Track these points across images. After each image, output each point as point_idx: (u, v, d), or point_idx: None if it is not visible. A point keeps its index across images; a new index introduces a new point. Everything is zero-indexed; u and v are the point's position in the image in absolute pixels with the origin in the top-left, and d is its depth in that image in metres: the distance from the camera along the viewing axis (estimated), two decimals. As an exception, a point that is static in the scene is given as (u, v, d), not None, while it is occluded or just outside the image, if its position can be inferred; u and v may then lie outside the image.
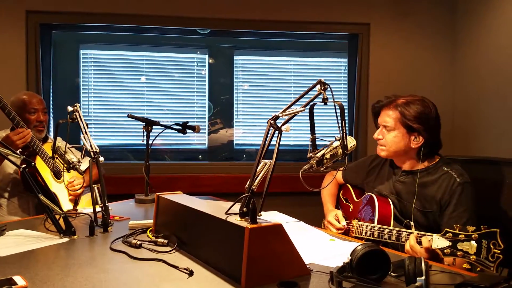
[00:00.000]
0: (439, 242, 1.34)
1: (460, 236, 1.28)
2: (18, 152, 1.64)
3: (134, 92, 3.29)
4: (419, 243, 1.46)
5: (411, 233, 1.53)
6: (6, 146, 1.64)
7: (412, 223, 1.68)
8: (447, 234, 1.31)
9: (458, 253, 1.27)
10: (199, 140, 3.40)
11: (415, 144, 1.75)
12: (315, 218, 2.11)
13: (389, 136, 1.78)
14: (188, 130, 2.45)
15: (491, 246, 1.21)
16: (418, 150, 1.76)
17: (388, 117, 1.78)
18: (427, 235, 1.43)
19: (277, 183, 2.99)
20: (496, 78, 2.89)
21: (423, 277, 1.05)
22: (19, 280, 1.12)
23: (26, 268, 1.25)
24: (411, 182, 1.78)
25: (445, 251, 1.31)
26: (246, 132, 3.45)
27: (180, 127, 2.42)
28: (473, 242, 1.24)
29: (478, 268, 1.23)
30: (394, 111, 1.76)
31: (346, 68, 3.46)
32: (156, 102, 3.32)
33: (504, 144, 2.80)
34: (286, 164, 3.20)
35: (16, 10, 2.93)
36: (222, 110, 3.42)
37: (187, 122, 2.44)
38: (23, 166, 1.56)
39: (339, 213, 1.95)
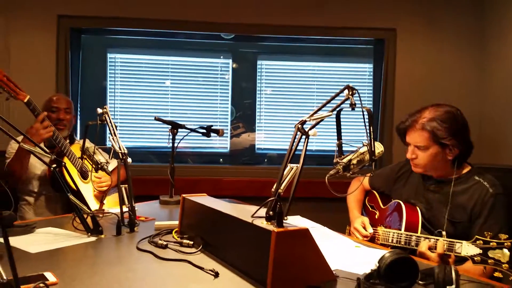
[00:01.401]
0: (468, 249, 1.31)
1: (491, 243, 1.25)
2: (48, 151, 1.69)
3: (158, 96, 3.35)
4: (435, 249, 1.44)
5: (438, 239, 1.50)
6: (38, 146, 1.68)
7: (444, 232, 1.64)
8: (478, 242, 1.28)
9: (489, 261, 1.24)
10: (221, 143, 3.42)
11: (451, 156, 1.71)
12: (339, 225, 2.09)
13: (424, 155, 1.72)
14: (212, 134, 2.47)
15: (525, 256, 1.18)
16: (453, 159, 1.72)
17: (418, 137, 1.72)
18: (456, 242, 1.40)
19: (299, 188, 2.97)
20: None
21: (454, 286, 1.02)
22: (50, 276, 1.15)
23: (55, 265, 1.28)
24: (443, 191, 1.73)
25: (475, 258, 1.28)
26: (268, 136, 3.45)
27: (204, 131, 2.44)
28: (505, 250, 1.21)
29: (511, 277, 1.19)
30: (423, 131, 1.70)
31: (371, 73, 3.43)
32: (180, 106, 3.37)
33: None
34: (308, 169, 3.18)
35: (49, 14, 3.04)
36: (244, 114, 3.44)
37: (212, 125, 2.47)
38: (54, 165, 1.60)
39: (366, 220, 1.93)
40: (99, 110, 1.85)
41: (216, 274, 1.22)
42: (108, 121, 1.83)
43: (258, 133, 3.44)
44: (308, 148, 3.69)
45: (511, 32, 2.99)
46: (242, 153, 3.44)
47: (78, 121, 3.18)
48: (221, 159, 3.44)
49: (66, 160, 2.22)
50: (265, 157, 3.46)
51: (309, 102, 3.41)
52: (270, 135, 3.45)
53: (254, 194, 2.94)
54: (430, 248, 1.51)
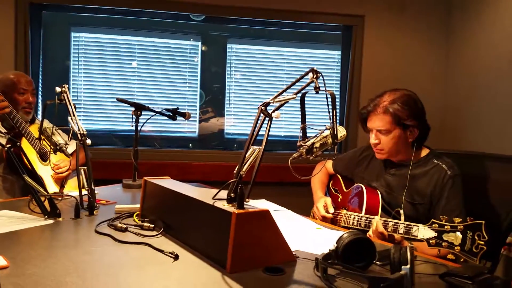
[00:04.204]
0: (425, 232, 1.35)
1: (446, 227, 1.29)
2: (4, 131, 1.61)
3: (125, 77, 3.25)
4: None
5: (397, 223, 1.54)
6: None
7: (402, 211, 1.69)
8: (433, 225, 1.32)
9: (443, 243, 1.28)
10: (189, 128, 3.38)
11: (412, 137, 1.76)
12: (304, 208, 2.11)
13: (387, 139, 1.76)
14: (178, 117, 2.43)
15: (476, 238, 1.22)
16: (412, 142, 1.77)
17: (380, 121, 1.76)
18: (413, 225, 1.44)
19: (266, 173, 2.99)
20: (488, 75, 2.91)
21: (408, 266, 1.05)
22: (0, 260, 1.10)
23: (8, 249, 1.23)
24: (402, 174, 1.78)
25: (431, 241, 1.32)
26: (237, 121, 3.43)
27: (170, 113, 2.39)
28: (458, 233, 1.25)
29: (462, 259, 1.24)
30: (385, 115, 1.74)
31: (340, 60, 3.45)
32: (147, 89, 3.29)
33: (493, 141, 2.82)
34: (276, 154, 3.19)
35: (5, -12, 2.87)
36: (213, 98, 3.40)
37: (177, 108, 2.42)
38: (8, 145, 1.53)
39: (328, 200, 1.96)
40: (58, 89, 1.78)
41: (176, 257, 1.21)
42: (67, 100, 1.76)
43: (228, 118, 3.41)
44: (276, 133, 3.70)
45: (476, 23, 3.07)
46: (211, 137, 3.41)
47: (40, 102, 3.06)
48: (190, 144, 3.40)
49: (24, 141, 2.13)
50: (234, 142, 3.45)
51: (278, 88, 3.36)
52: (239, 120, 3.43)
53: (222, 179, 2.90)
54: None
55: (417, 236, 1.42)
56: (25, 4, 2.93)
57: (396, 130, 1.74)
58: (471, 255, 1.23)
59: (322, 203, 1.95)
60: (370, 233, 1.59)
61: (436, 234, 1.31)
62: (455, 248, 1.25)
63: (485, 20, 2.96)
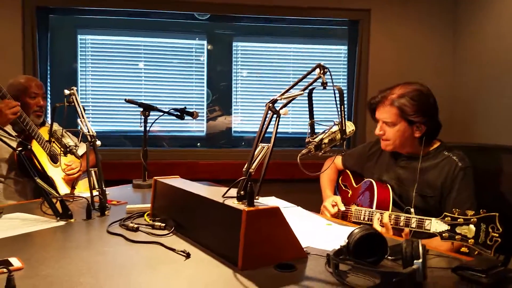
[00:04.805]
0: (437, 226, 1.33)
1: (459, 220, 1.27)
2: (14, 135, 1.63)
3: (132, 78, 3.27)
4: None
5: (410, 217, 1.53)
6: (2, 129, 1.63)
7: (412, 210, 1.68)
8: (446, 218, 1.31)
9: (456, 236, 1.27)
10: (197, 127, 3.39)
11: (419, 133, 1.75)
12: (314, 205, 2.10)
13: (392, 131, 1.76)
14: (186, 117, 2.43)
15: (490, 230, 1.21)
16: (421, 137, 1.76)
17: (387, 113, 1.76)
18: (426, 219, 1.43)
19: (275, 170, 2.98)
20: (496, 67, 2.87)
21: (420, 260, 1.04)
22: (15, 261, 1.12)
23: (22, 250, 1.24)
24: (412, 167, 1.77)
25: (444, 235, 1.30)
26: (244, 119, 3.43)
27: (178, 113, 2.40)
28: (471, 226, 1.24)
29: (476, 252, 1.23)
30: (392, 107, 1.74)
31: (346, 55, 3.43)
32: (154, 89, 3.30)
33: (502, 132, 2.79)
34: (284, 151, 3.18)
35: (12, -8, 2.90)
36: (220, 97, 3.40)
37: (185, 107, 2.43)
38: (19, 149, 1.55)
39: (338, 198, 1.95)
40: (66, 92, 1.79)
41: (188, 255, 1.21)
42: (76, 103, 1.78)
43: (235, 116, 3.41)
44: (284, 130, 3.70)
45: (483, 15, 3.03)
46: (219, 136, 3.42)
47: (49, 105, 3.08)
48: (198, 143, 3.41)
49: (35, 143, 2.16)
50: (242, 140, 3.45)
51: (285, 84, 3.38)
52: (247, 118, 3.43)
53: (231, 177, 2.91)
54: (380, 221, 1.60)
55: (429, 230, 1.41)
56: (31, 8, 2.96)
57: (401, 124, 1.74)
58: (485, 247, 1.21)
59: (330, 201, 1.94)
60: (375, 225, 1.60)
61: (449, 227, 1.30)
62: (469, 241, 1.24)
63: (492, 11, 2.93)
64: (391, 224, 1.59)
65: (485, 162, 1.85)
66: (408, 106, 1.71)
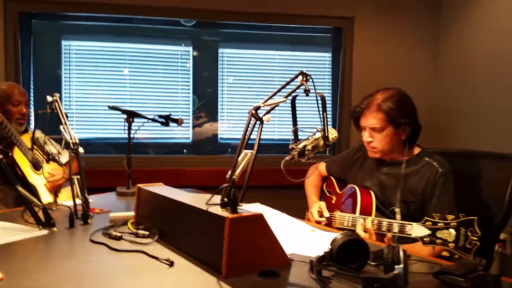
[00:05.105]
0: (418, 230, 1.36)
1: (439, 224, 1.30)
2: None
3: (117, 85, 3.25)
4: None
5: (392, 222, 1.55)
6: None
7: (397, 209, 1.71)
8: (427, 223, 1.33)
9: (437, 241, 1.29)
10: (183, 134, 3.38)
11: (404, 135, 1.78)
12: (298, 211, 2.11)
13: (380, 136, 1.78)
14: (171, 123, 2.43)
15: (469, 234, 1.23)
16: (405, 140, 1.79)
17: (374, 119, 1.77)
18: (407, 224, 1.45)
19: (259, 176, 2.97)
20: (476, 74, 2.94)
21: (401, 265, 1.06)
22: (-6, 272, 1.10)
23: (2, 261, 1.22)
24: (394, 173, 1.80)
25: (425, 239, 1.33)
26: (230, 126, 3.43)
27: (162, 120, 2.39)
28: (452, 230, 1.26)
29: (457, 256, 1.25)
30: (378, 112, 1.76)
31: (331, 62, 3.47)
32: (139, 95, 3.28)
33: (482, 139, 2.85)
34: (268, 158, 3.19)
35: (-7, -2, 2.86)
36: (206, 103, 3.40)
37: (170, 114, 2.42)
38: (0, 156, 1.53)
39: (323, 204, 1.96)
40: (49, 98, 1.78)
41: (171, 263, 1.21)
42: (59, 109, 1.76)
43: (221, 123, 3.41)
44: (268, 137, 3.71)
45: (462, 20, 3.11)
46: (205, 143, 3.41)
47: (32, 112, 3.04)
48: (184, 150, 3.40)
49: (17, 151, 2.12)
50: (228, 147, 3.45)
51: (271, 91, 3.35)
52: (233, 125, 3.44)
53: (217, 184, 2.90)
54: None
55: (411, 235, 1.43)
56: (14, 13, 2.92)
57: (389, 128, 1.76)
58: (465, 251, 1.24)
59: (317, 208, 1.95)
60: (358, 232, 1.62)
61: (430, 232, 1.33)
62: (449, 245, 1.26)
63: (473, 19, 3.00)
64: (374, 230, 1.61)
65: (465, 167, 1.89)
66: (394, 108, 1.74)
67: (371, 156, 1.87)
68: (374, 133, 1.79)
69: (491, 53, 2.78)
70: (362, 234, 1.59)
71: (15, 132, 2.11)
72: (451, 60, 3.23)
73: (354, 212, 1.76)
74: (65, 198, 2.27)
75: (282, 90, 1.42)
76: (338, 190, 2.02)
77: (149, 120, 2.37)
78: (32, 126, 2.74)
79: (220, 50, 3.39)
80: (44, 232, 1.52)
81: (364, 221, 1.63)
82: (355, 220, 1.71)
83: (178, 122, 2.42)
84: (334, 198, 2.02)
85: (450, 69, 3.25)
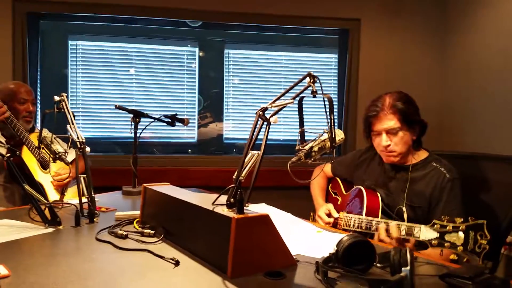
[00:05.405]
0: (427, 233, 1.35)
1: (448, 227, 1.29)
2: (3, 141, 1.62)
3: (123, 85, 3.26)
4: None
5: (399, 224, 1.54)
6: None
7: (404, 208, 1.70)
8: (435, 226, 1.32)
9: (445, 244, 1.28)
10: (188, 133, 3.38)
11: (415, 135, 1.79)
12: (304, 212, 2.11)
13: (397, 139, 1.76)
14: (177, 123, 2.43)
15: (478, 237, 1.23)
16: (414, 140, 1.79)
17: (390, 120, 1.75)
18: (415, 226, 1.44)
19: (266, 177, 2.98)
20: (484, 76, 2.92)
21: (408, 268, 1.05)
22: (1, 269, 1.11)
23: (9, 258, 1.23)
24: (401, 177, 1.79)
25: (433, 242, 1.32)
26: (236, 126, 3.44)
27: (168, 120, 2.40)
28: (460, 234, 1.25)
29: (465, 259, 1.24)
30: (394, 114, 1.74)
31: (337, 63, 3.46)
32: (145, 95, 3.30)
33: (490, 141, 2.83)
34: (275, 158, 3.19)
35: (3, -2, 2.89)
36: (212, 104, 3.41)
37: (176, 114, 2.43)
38: (8, 155, 1.53)
39: (331, 206, 1.95)
40: (56, 98, 1.78)
41: (177, 263, 1.21)
42: (66, 109, 1.77)
43: (226, 123, 3.42)
44: (275, 137, 3.71)
45: (470, 22, 3.09)
46: (210, 143, 3.42)
47: (39, 111, 3.06)
48: (189, 150, 3.41)
49: (25, 149, 2.14)
50: (234, 147, 3.45)
51: (276, 92, 3.41)
52: (238, 125, 3.44)
53: (222, 184, 2.91)
54: (387, 231, 1.55)
55: (419, 237, 1.42)
56: (22, 14, 2.95)
57: (404, 129, 1.75)
58: (474, 254, 1.23)
59: (324, 210, 1.94)
60: (382, 237, 1.55)
61: (438, 235, 1.32)
62: (458, 248, 1.25)
63: (479, 21, 2.98)
64: (401, 236, 1.52)
65: (473, 170, 1.88)
66: (407, 108, 1.74)
67: (389, 161, 1.82)
68: (390, 136, 1.77)
69: (500, 53, 2.76)
70: (387, 240, 1.53)
71: (24, 130, 2.12)
72: (459, 61, 3.22)
73: (360, 213, 1.75)
74: (72, 197, 2.28)
75: (289, 92, 1.41)
76: (344, 191, 2.01)
77: (155, 120, 2.38)
78: (38, 125, 2.75)
79: (226, 51, 3.39)
80: (50, 230, 1.52)
81: (387, 225, 1.57)
82: (361, 221, 1.70)
83: (184, 122, 2.43)
84: (340, 199, 2.02)
85: (458, 70, 3.23)
